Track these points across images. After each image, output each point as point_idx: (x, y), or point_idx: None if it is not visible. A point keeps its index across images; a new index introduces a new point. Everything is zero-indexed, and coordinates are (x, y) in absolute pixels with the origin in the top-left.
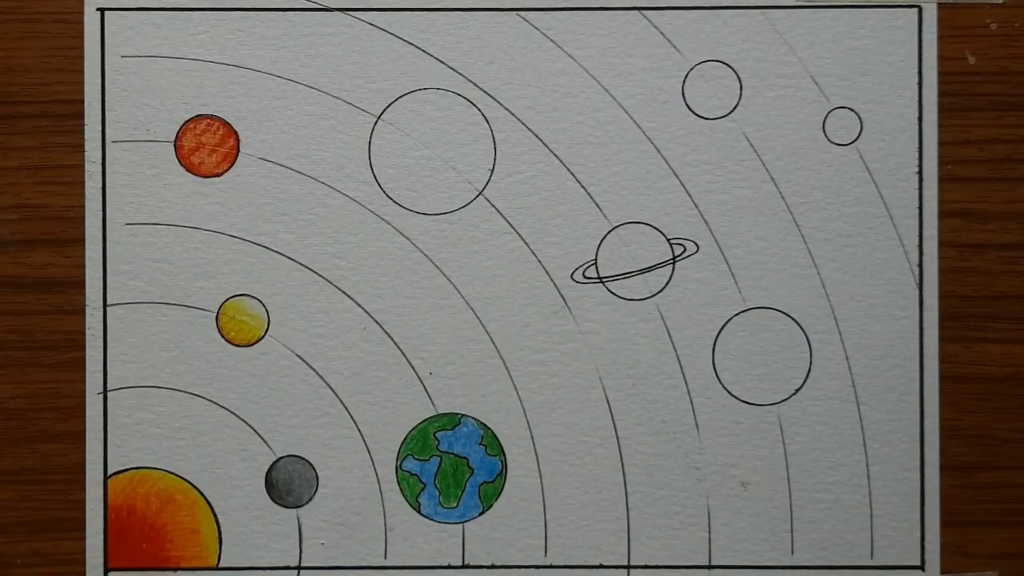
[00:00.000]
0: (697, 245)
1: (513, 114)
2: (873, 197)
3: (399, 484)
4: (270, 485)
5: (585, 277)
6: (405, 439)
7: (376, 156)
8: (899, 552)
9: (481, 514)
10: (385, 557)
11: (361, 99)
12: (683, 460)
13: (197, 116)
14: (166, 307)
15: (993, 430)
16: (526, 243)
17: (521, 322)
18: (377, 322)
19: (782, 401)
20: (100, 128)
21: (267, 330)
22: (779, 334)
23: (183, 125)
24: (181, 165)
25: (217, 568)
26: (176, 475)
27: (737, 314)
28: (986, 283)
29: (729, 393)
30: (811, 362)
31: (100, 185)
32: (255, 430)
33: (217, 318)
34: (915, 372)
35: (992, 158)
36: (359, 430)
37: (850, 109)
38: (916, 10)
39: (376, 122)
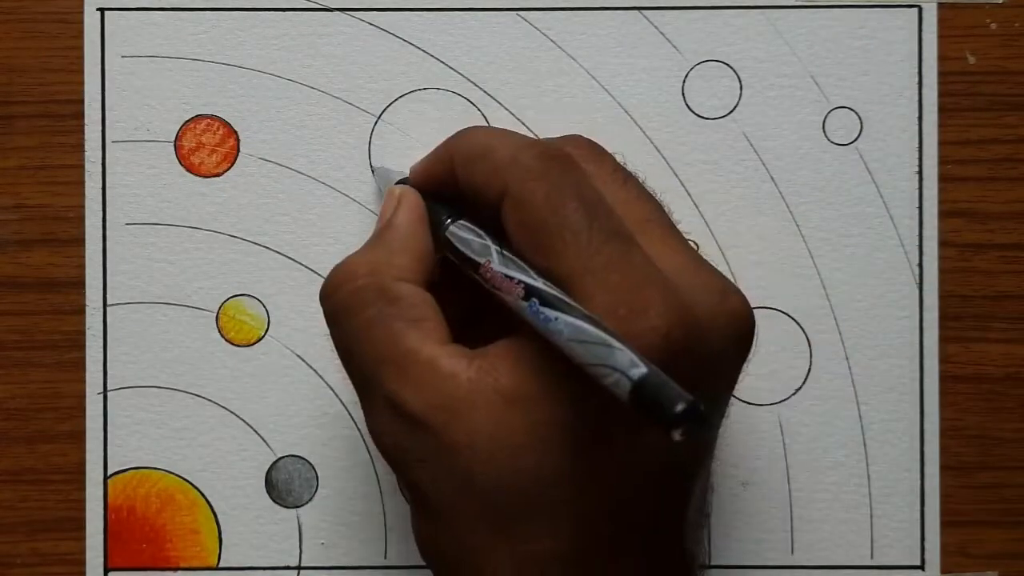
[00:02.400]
0: (697, 245)
1: (513, 114)
2: (873, 197)
3: (399, 484)
4: (270, 485)
5: None
6: None
7: (376, 156)
8: (899, 552)
9: None
10: (385, 557)
11: (361, 99)
12: None
13: (197, 116)
14: (166, 307)
15: (993, 430)
16: None
17: None
18: None
19: (782, 401)
20: (100, 128)
21: (267, 330)
22: (779, 334)
23: (183, 125)
24: (181, 165)
25: (217, 568)
26: (176, 475)
27: None
28: (986, 283)
29: None
30: (811, 362)
31: (100, 185)
32: (255, 430)
33: (217, 318)
34: (915, 372)
35: (992, 158)
36: (359, 430)
37: (850, 109)
38: (916, 10)
39: (376, 122)
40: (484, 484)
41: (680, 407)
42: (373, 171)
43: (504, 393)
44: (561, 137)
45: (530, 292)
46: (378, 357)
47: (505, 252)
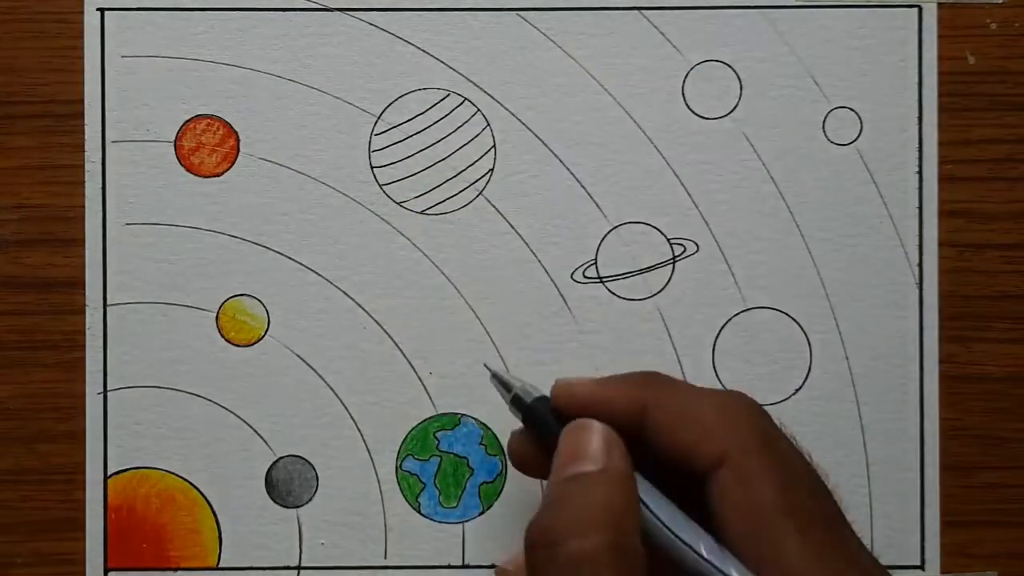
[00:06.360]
0: (697, 245)
1: (513, 114)
2: (873, 197)
3: (399, 484)
4: (270, 485)
5: (585, 277)
6: (405, 439)
7: (376, 156)
8: (899, 552)
9: (481, 514)
10: (385, 557)
11: (361, 99)
12: None
13: (197, 116)
14: (166, 307)
15: (993, 430)
16: (526, 243)
17: (521, 322)
18: (377, 322)
19: (782, 401)
20: (100, 128)
21: (267, 330)
22: (779, 334)
23: (183, 125)
24: (181, 165)
25: (217, 568)
26: (176, 475)
27: (737, 314)
28: (986, 283)
29: None
30: (811, 362)
31: (100, 185)
32: (255, 430)
33: (217, 318)
34: (915, 372)
35: (992, 158)
36: (359, 430)
37: (850, 109)
38: (916, 10)
39: (376, 122)
40: None
41: None
42: (492, 374)
43: None
44: (726, 391)
45: None
46: None
47: (718, 543)
